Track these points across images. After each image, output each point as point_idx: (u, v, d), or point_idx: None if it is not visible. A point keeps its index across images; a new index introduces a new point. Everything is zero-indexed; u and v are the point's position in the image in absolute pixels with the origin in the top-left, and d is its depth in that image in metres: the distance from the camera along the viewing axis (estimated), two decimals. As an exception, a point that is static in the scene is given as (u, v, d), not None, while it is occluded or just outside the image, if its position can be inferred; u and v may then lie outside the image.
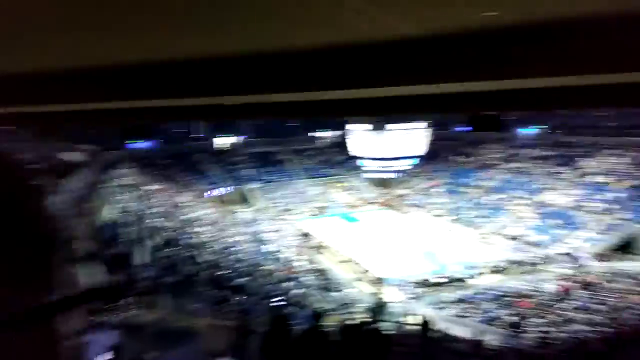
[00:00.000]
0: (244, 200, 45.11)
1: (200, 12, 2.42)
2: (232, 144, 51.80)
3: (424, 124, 34.31)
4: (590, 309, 17.52)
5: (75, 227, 16.62)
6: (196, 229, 28.18)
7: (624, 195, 31.16)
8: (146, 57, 3.71)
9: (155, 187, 34.93)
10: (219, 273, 19.39)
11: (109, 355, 5.63)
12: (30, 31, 2.64)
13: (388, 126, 33.48)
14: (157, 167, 44.45)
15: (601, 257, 26.26)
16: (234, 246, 27.86)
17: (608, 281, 21.28)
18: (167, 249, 19.65)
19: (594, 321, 15.88)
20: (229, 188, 45.70)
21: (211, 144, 50.95)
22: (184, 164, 47.13)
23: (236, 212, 40.27)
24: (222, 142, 51.49)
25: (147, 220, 23.11)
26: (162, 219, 25.53)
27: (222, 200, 45.56)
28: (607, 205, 30.97)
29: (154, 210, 26.78)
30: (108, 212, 21.44)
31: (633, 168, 33.41)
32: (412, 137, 34.39)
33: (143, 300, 12.34)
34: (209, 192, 43.34)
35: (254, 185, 46.51)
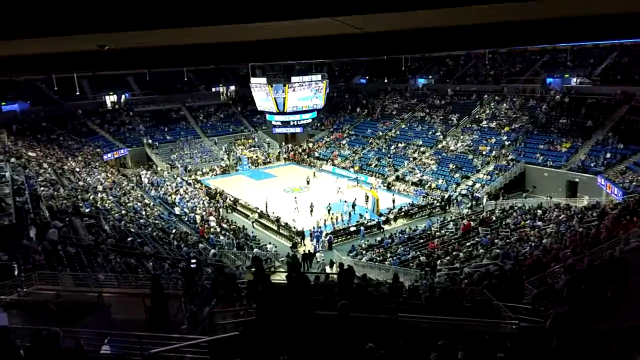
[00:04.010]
0: (145, 162, 41.97)
1: None
2: (122, 102, 47.04)
3: (321, 76, 34.32)
4: (489, 244, 19.32)
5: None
6: (99, 195, 25.58)
7: (506, 138, 34.60)
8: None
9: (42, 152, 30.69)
10: (128, 240, 17.76)
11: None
12: None
13: (291, 79, 33.00)
14: (39, 130, 38.91)
15: (492, 196, 29.10)
16: (142, 211, 25.93)
17: (499, 218, 23.72)
18: (65, 218, 17.44)
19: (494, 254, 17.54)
20: (127, 150, 42.00)
21: (98, 103, 45.74)
22: (71, 126, 41.81)
23: (140, 174, 37.27)
24: (110, 100, 46.51)
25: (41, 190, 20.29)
26: (55, 187, 22.60)
27: (122, 164, 41.99)
28: (494, 149, 34.18)
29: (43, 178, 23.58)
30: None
31: (512, 113, 37.12)
32: (312, 90, 34.28)
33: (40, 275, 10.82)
34: (108, 156, 39.35)
35: (155, 146, 43.27)
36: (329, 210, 27.89)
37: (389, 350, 5.38)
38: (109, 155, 39.85)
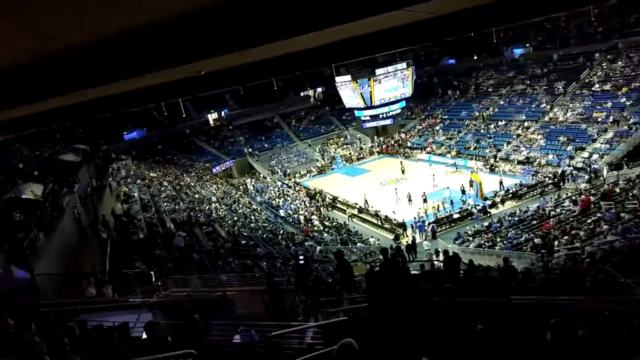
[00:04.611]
0: (249, 170, 45.04)
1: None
2: (222, 118, 51.00)
3: (405, 64, 33.51)
4: (615, 218, 17.41)
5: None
6: (213, 205, 28.17)
7: (625, 100, 30.69)
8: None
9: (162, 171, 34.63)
10: (242, 243, 19.34)
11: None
12: None
13: (375, 72, 32.82)
14: (156, 153, 43.98)
15: (614, 166, 26.07)
16: (251, 216, 27.94)
17: (624, 189, 21.20)
18: (187, 228, 19.55)
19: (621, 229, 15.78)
20: (231, 162, 45.47)
21: (202, 122, 50.16)
22: (182, 146, 46.56)
23: (245, 182, 40.21)
24: (212, 118, 50.76)
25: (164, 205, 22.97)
26: (175, 201, 25.39)
27: (229, 174, 45.52)
28: (612, 114, 30.54)
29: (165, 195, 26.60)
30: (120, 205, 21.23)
31: (630, 70, 32.78)
32: (398, 79, 33.67)
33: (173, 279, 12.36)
34: (216, 169, 43.16)
35: (256, 154, 46.17)
36: (424, 200, 27.22)
37: (501, 332, 5.30)
38: (217, 168, 43.50)
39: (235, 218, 26.63)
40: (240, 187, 39.53)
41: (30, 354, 4.78)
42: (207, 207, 27.38)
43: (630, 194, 20.03)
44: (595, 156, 28.03)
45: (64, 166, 28.93)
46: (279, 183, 39.04)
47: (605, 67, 35.21)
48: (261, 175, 43.20)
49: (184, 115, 40.06)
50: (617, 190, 21.37)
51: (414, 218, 24.98)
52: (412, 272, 10.36)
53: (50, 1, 2.14)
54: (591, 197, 21.20)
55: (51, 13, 2.31)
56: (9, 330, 7.41)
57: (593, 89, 34.14)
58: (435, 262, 15.71)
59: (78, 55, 3.68)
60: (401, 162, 37.48)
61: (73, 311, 10.69)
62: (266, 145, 47.88)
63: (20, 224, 18.58)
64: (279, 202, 32.78)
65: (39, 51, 3.20)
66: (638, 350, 3.08)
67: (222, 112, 51.61)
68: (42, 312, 9.24)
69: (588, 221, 18.55)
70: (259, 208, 31.88)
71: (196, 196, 31.07)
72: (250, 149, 46.88)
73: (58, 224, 18.99)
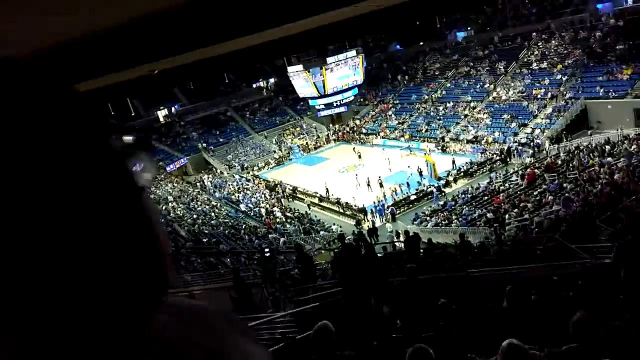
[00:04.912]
0: (205, 166, 44.15)
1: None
2: (173, 115, 49.48)
3: (355, 52, 33.90)
4: (558, 188, 18.64)
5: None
6: (170, 205, 27.49)
7: (560, 76, 32.61)
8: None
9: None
10: (204, 241, 19.10)
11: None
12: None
13: (327, 61, 32.96)
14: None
15: (555, 140, 27.77)
16: (211, 213, 27.53)
17: (565, 161, 22.68)
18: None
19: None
20: (186, 159, 44.35)
21: (152, 119, 48.41)
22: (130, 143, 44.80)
23: (202, 179, 39.41)
24: (162, 115, 49.08)
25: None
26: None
27: (184, 172, 44.41)
28: (549, 90, 32.38)
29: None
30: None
31: (563, 49, 34.82)
32: (350, 67, 34.04)
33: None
34: (170, 167, 41.89)
35: (211, 150, 45.31)
36: (380, 185, 27.91)
37: (461, 304, 5.68)
38: (171, 166, 42.29)
39: (195, 216, 26.19)
40: (197, 184, 38.75)
41: None
42: (164, 208, 26.73)
43: (570, 165, 21.49)
44: (537, 131, 29.72)
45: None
46: (237, 177, 38.62)
47: (540, 46, 37.15)
48: (218, 171, 42.53)
49: (132, 114, 38.71)
50: (559, 162, 22.85)
51: (373, 203, 25.57)
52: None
53: None
54: (536, 171, 22.55)
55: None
56: None
57: (531, 67, 35.99)
58: (397, 244, 16.23)
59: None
60: (354, 149, 38.12)
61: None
62: (221, 140, 47.05)
63: None
64: (238, 196, 32.50)
65: None
66: (581, 307, 3.44)
67: (173, 108, 49.97)
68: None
69: (534, 193, 19.78)
70: (218, 204, 31.47)
71: (152, 196, 30.20)
72: (204, 145, 45.92)
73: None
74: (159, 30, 3.62)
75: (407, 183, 27.83)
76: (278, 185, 33.49)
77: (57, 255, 0.31)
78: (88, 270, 0.33)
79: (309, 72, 33.36)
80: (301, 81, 34.78)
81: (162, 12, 3.15)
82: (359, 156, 36.02)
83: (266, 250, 10.80)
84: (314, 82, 33.86)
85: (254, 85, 53.81)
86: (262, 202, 30.12)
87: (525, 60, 37.23)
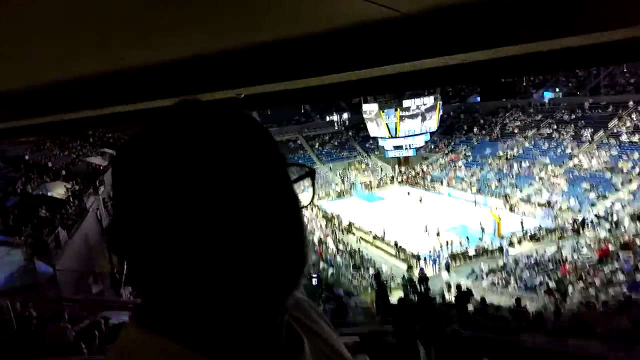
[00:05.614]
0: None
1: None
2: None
3: (433, 98, 33.86)
4: (633, 270, 17.16)
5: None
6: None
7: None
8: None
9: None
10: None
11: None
12: None
13: (402, 104, 33.25)
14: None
15: (637, 217, 25.61)
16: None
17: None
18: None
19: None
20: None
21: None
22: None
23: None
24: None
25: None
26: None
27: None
28: (638, 165, 30.16)
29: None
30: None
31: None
32: (424, 113, 34.02)
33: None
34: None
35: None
36: (437, 234, 27.19)
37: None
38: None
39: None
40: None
41: (61, 338, 5.14)
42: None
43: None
44: (617, 205, 27.60)
45: (90, 168, 29.97)
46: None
47: (634, 118, 34.93)
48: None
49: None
50: (638, 242, 21.02)
51: (429, 251, 24.90)
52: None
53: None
54: (610, 246, 20.89)
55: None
56: (32, 321, 7.84)
57: (621, 139, 33.84)
58: (447, 296, 15.68)
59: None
60: (408, 193, 37.53)
61: (90, 307, 11.09)
62: (288, 166, 48.37)
63: (46, 220, 19.37)
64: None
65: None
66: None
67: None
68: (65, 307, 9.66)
69: (605, 270, 18.29)
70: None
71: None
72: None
73: (81, 223, 19.70)
74: (251, 60, 4.09)
75: (467, 237, 26.84)
76: (335, 217, 33.69)
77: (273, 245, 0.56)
78: (280, 254, 0.56)
79: (383, 112, 33.86)
80: (374, 120, 35.34)
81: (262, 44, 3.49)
82: (420, 200, 35.42)
83: (314, 275, 10.96)
84: (386, 123, 34.25)
85: (327, 119, 55.36)
86: (317, 231, 30.37)
87: (615, 130, 35.10)
